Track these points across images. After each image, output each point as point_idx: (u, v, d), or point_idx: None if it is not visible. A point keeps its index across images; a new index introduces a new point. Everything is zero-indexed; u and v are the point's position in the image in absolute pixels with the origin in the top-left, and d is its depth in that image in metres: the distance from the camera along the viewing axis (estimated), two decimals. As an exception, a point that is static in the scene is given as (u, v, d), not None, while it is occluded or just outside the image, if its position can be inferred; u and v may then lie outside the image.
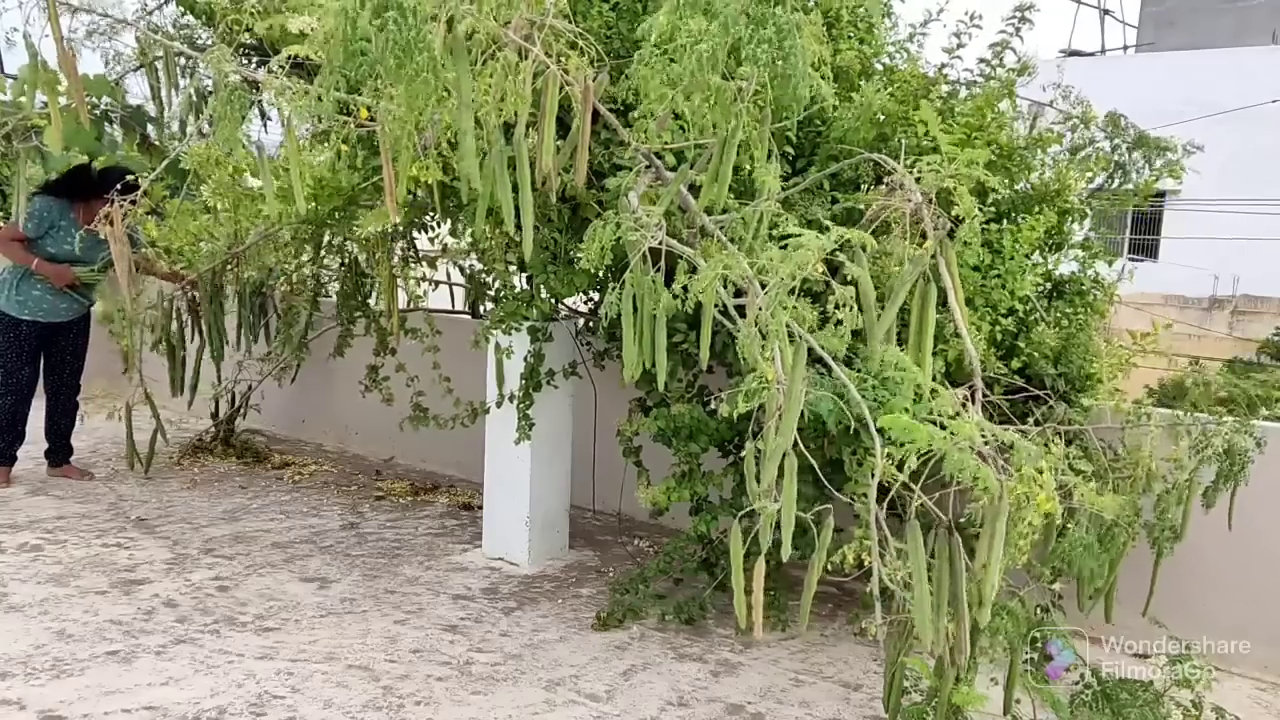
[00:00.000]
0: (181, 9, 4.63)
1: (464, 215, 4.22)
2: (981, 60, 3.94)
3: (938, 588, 2.46)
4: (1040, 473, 2.36)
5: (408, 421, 5.27)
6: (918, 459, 2.34)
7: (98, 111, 5.40)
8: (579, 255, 2.84)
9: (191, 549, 4.59)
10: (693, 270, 2.68)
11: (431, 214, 4.67)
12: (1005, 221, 3.69)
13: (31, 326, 5.16)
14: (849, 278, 2.56)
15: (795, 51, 2.48)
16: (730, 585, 3.99)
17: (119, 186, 4.63)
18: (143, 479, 5.68)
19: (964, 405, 2.53)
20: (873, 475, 2.45)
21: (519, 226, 2.88)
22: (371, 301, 5.66)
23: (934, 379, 3.20)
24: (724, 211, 3.05)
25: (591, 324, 4.66)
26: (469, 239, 4.56)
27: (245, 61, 4.29)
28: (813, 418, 2.98)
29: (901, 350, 2.79)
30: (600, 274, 2.96)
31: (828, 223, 2.61)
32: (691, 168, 3.05)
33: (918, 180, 2.71)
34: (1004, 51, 3.89)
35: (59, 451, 5.57)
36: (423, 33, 2.43)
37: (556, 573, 4.55)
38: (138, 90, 5.03)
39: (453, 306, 6.36)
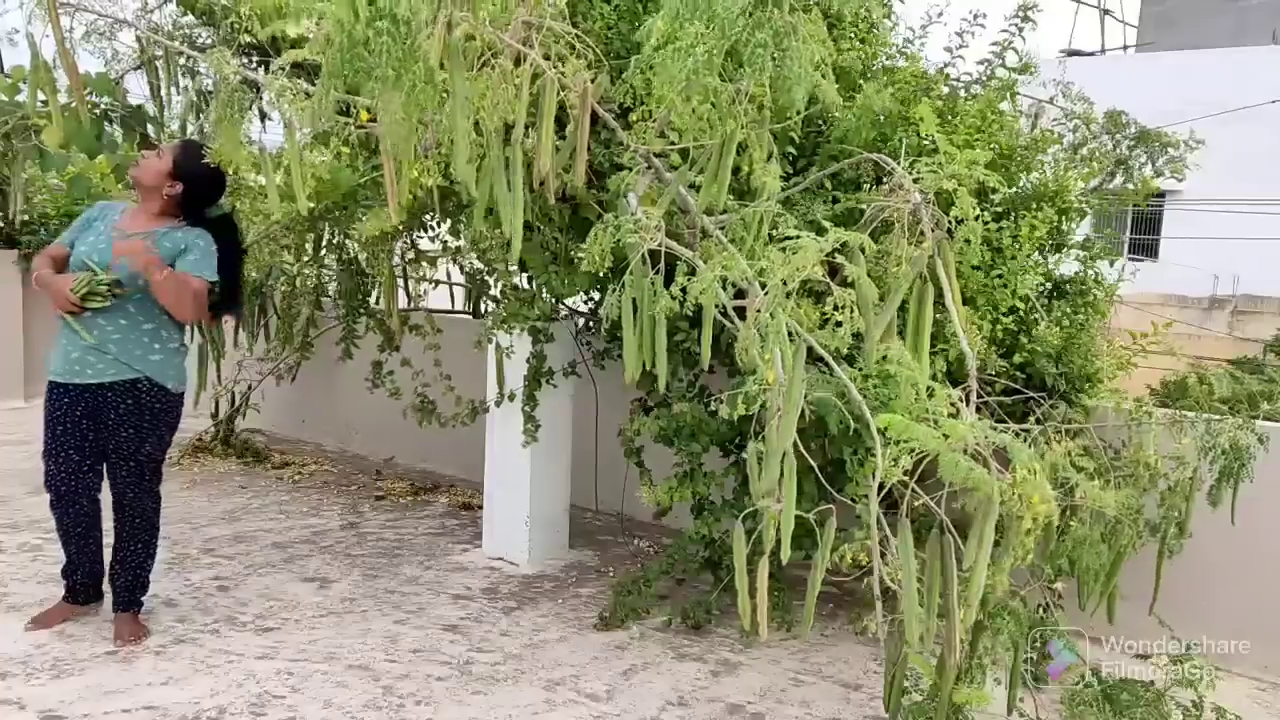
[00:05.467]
0: (181, 9, 4.62)
1: (464, 216, 4.22)
2: (983, 60, 3.94)
3: (928, 587, 2.46)
4: (1034, 473, 2.35)
5: (412, 411, 5.28)
6: (914, 459, 2.34)
7: (98, 111, 5.40)
8: (580, 256, 2.84)
9: (191, 549, 4.59)
10: (692, 271, 2.68)
11: (431, 214, 4.67)
12: (1005, 221, 3.69)
13: (53, 393, 3.46)
14: (849, 279, 2.56)
15: (792, 54, 2.48)
16: (733, 586, 4.03)
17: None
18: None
19: (957, 405, 2.53)
20: (873, 476, 2.45)
21: (511, 230, 2.88)
22: (372, 301, 5.67)
23: (934, 378, 3.20)
24: (724, 212, 3.05)
25: (592, 324, 4.66)
26: (469, 239, 4.56)
27: (246, 61, 4.29)
28: (814, 417, 2.98)
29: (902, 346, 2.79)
30: (601, 274, 2.96)
31: (826, 224, 2.61)
32: (691, 168, 3.05)
33: (916, 180, 2.71)
34: (1006, 51, 3.89)
35: (116, 591, 3.65)
36: (417, 42, 2.42)
37: (556, 573, 4.55)
38: (138, 90, 5.00)
39: (453, 306, 6.36)
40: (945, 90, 3.96)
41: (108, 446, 3.49)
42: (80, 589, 3.70)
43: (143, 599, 3.70)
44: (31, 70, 3.93)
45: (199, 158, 3.41)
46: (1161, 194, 17.14)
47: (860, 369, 3.06)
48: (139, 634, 3.60)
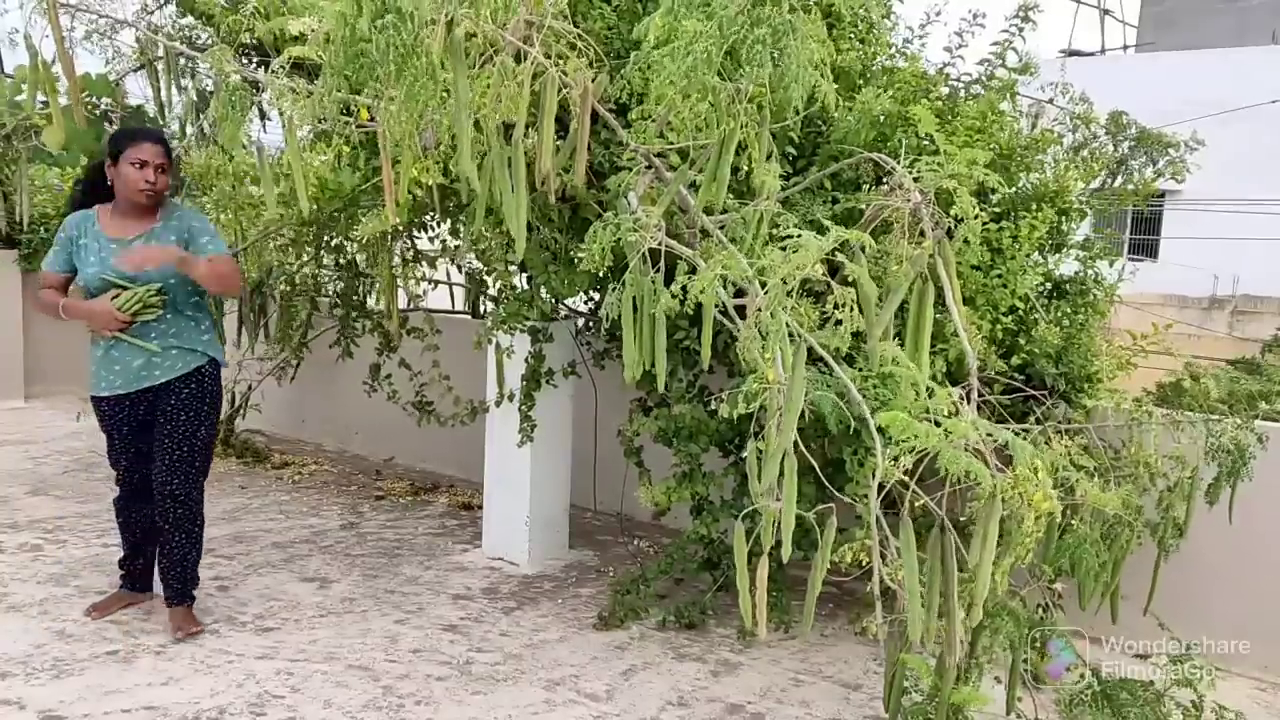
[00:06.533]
0: (181, 9, 4.63)
1: (464, 216, 4.22)
2: (983, 60, 3.94)
3: (929, 586, 2.46)
4: (1036, 471, 2.35)
5: (412, 408, 5.31)
6: (914, 457, 2.34)
7: (98, 112, 5.41)
8: (579, 255, 2.84)
9: (192, 549, 4.59)
10: (692, 270, 2.68)
11: (431, 214, 4.67)
12: (1005, 221, 3.69)
13: (109, 405, 3.57)
14: (849, 278, 2.56)
15: (791, 52, 2.48)
16: (731, 586, 4.03)
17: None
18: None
19: (958, 404, 2.53)
20: (873, 475, 2.45)
21: (515, 227, 2.88)
22: (371, 301, 5.67)
23: (935, 378, 3.20)
24: (724, 211, 3.05)
25: (591, 324, 4.66)
26: (470, 239, 4.56)
27: (245, 62, 4.29)
28: (814, 417, 2.98)
29: (900, 349, 2.79)
30: (601, 274, 2.96)
31: (827, 223, 2.60)
32: (691, 167, 3.05)
33: (916, 180, 2.70)
34: (1006, 51, 3.89)
35: (167, 584, 3.71)
36: (421, 36, 2.43)
37: (556, 573, 4.55)
38: (138, 90, 5.00)
39: (453, 306, 6.37)
40: (945, 90, 3.96)
41: (161, 434, 3.54)
42: (140, 575, 3.84)
43: (194, 592, 3.75)
44: (31, 71, 3.93)
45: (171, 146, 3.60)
46: (1161, 194, 17.17)
47: (860, 369, 3.06)
48: (194, 626, 3.66)
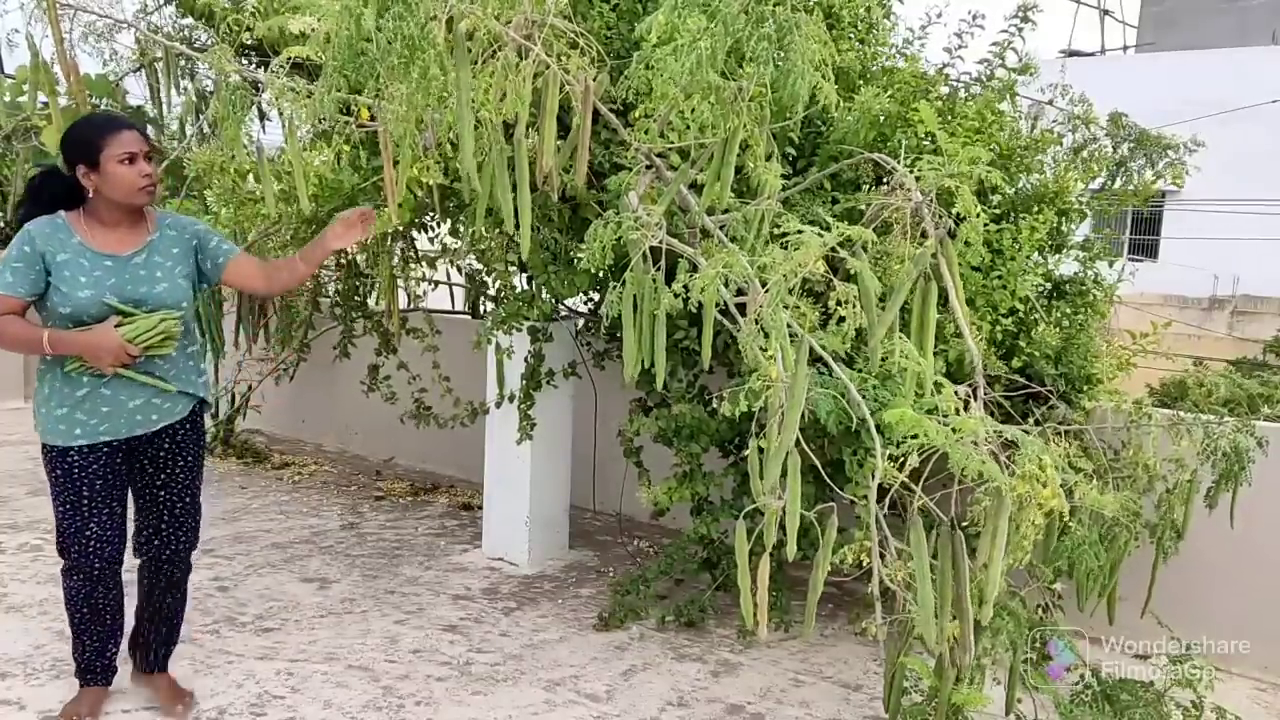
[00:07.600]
0: (181, 10, 4.63)
1: (464, 215, 4.22)
2: (982, 60, 3.94)
3: (940, 587, 2.45)
4: (1043, 469, 2.35)
5: (409, 417, 5.31)
6: (919, 457, 2.34)
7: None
8: (579, 255, 2.84)
9: (191, 549, 4.59)
10: (693, 269, 2.68)
11: (431, 214, 4.67)
12: (1005, 222, 3.69)
13: (87, 457, 2.84)
14: (851, 272, 2.56)
15: (795, 49, 2.48)
16: (731, 586, 4.03)
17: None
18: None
19: (966, 403, 2.53)
20: (873, 476, 2.44)
21: (519, 226, 2.88)
22: (371, 301, 5.67)
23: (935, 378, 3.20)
24: (725, 211, 3.05)
25: (591, 324, 4.66)
26: (469, 239, 4.56)
27: (245, 62, 4.29)
28: (814, 417, 2.98)
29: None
30: (601, 274, 2.95)
31: (830, 219, 2.60)
32: (692, 167, 3.05)
33: (918, 179, 2.70)
34: (1005, 51, 3.89)
35: (150, 651, 3.17)
36: (428, 29, 2.43)
37: (556, 573, 4.55)
38: (138, 91, 4.99)
39: (453, 306, 6.37)
40: (945, 90, 3.96)
41: (153, 484, 2.99)
42: (112, 663, 3.09)
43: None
44: (31, 71, 3.94)
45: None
46: (1161, 194, 17.16)
47: (859, 370, 3.06)
48: (188, 696, 3.17)
